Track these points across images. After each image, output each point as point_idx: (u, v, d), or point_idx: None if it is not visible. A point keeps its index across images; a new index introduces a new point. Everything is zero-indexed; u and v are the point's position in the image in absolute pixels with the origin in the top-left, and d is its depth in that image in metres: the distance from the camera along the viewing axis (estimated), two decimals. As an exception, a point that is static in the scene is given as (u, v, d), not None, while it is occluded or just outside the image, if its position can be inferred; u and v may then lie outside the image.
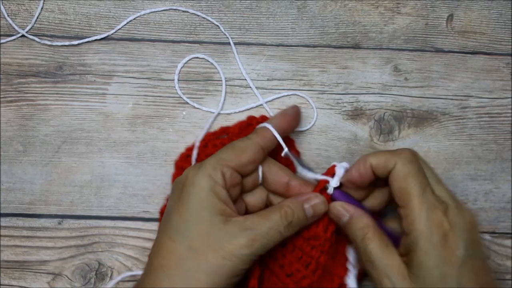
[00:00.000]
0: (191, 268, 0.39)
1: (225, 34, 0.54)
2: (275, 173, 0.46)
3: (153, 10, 0.54)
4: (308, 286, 0.45)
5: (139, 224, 0.51)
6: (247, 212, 0.47)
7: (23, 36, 0.53)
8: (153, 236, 0.49)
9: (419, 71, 0.54)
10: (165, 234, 0.41)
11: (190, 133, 0.52)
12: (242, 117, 0.52)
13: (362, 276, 0.48)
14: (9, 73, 0.53)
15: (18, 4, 0.54)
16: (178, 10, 0.54)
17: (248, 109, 0.53)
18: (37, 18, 0.54)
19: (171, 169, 0.51)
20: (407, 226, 0.41)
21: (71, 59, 0.53)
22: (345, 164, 0.45)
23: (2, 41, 0.53)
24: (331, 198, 0.45)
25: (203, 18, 0.54)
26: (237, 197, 0.45)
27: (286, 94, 0.53)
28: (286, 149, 0.46)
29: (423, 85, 0.54)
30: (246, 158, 0.43)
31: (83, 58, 0.53)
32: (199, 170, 0.42)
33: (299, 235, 0.45)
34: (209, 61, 0.53)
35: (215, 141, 0.51)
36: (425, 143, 0.53)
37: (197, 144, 0.50)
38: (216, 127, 0.52)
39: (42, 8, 0.54)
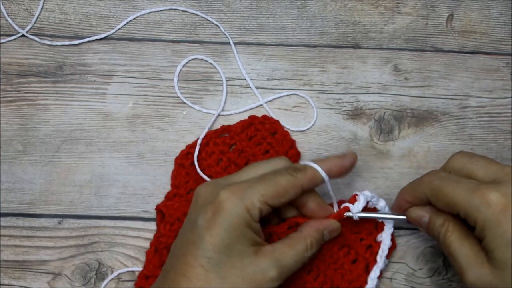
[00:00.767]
0: None
1: (225, 34, 0.54)
2: None
3: (153, 10, 0.54)
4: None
5: (139, 224, 0.51)
6: None
7: (23, 36, 0.53)
8: (153, 236, 0.49)
9: (419, 71, 0.54)
10: (196, 259, 0.41)
11: (190, 133, 0.52)
12: (243, 117, 0.52)
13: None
14: (9, 73, 0.53)
15: (18, 4, 0.54)
16: (178, 10, 0.54)
17: (248, 110, 0.53)
18: (37, 18, 0.54)
19: (171, 169, 0.51)
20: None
21: (71, 59, 0.53)
22: (367, 193, 0.46)
23: (2, 41, 0.53)
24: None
25: (203, 18, 0.54)
26: None
27: (286, 94, 0.53)
28: (351, 213, 0.46)
29: (423, 85, 0.54)
30: (286, 199, 0.43)
31: (83, 58, 0.53)
32: (238, 199, 0.41)
33: None
34: (209, 61, 0.53)
35: (216, 139, 0.51)
36: (425, 143, 0.53)
37: (199, 142, 0.50)
38: (216, 126, 0.52)
39: (42, 8, 0.54)
